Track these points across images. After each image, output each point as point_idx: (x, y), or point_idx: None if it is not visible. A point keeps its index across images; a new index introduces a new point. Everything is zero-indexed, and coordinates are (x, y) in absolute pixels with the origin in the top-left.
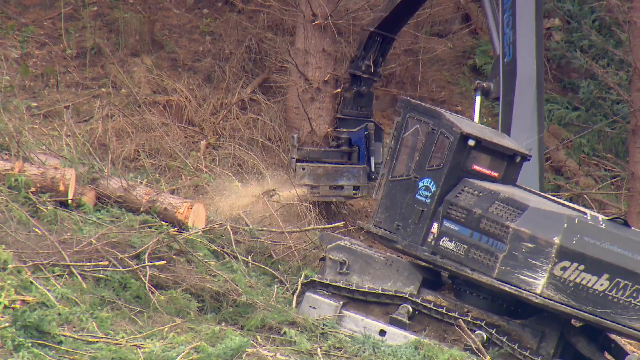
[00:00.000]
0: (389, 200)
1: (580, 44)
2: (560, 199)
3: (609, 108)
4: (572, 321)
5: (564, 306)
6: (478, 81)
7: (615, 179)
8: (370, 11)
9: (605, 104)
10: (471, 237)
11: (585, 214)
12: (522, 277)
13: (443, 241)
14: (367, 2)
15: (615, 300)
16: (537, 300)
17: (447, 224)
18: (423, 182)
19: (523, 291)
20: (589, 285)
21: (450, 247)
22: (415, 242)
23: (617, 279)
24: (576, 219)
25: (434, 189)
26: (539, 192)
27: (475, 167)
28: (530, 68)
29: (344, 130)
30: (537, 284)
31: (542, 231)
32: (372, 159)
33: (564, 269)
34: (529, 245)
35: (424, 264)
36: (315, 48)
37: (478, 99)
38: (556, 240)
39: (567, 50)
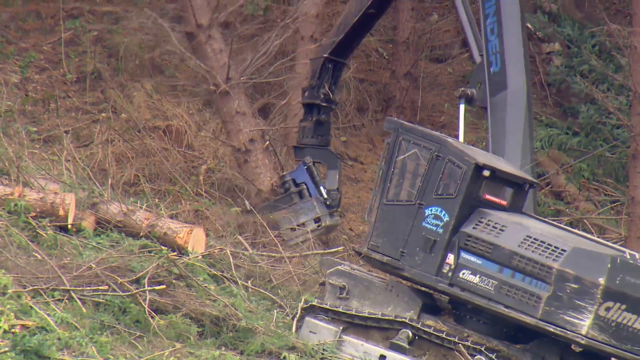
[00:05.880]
0: (387, 225)
1: (580, 68)
2: (561, 223)
3: (609, 133)
4: (572, 346)
5: (607, 346)
6: (463, 89)
7: (615, 204)
8: (282, 67)
9: (605, 128)
10: (501, 272)
11: (624, 252)
12: (567, 318)
13: (464, 274)
14: (268, 57)
15: None
16: (583, 342)
17: (466, 256)
18: (431, 210)
19: (569, 332)
20: (629, 324)
21: (475, 281)
22: (427, 272)
23: None
24: (618, 259)
25: (446, 218)
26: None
27: (487, 197)
28: (521, 83)
29: (285, 174)
30: (583, 325)
31: (587, 272)
32: (322, 188)
33: (608, 309)
34: (573, 286)
35: (439, 294)
36: (229, 114)
37: (462, 107)
38: (601, 281)
39: (567, 75)
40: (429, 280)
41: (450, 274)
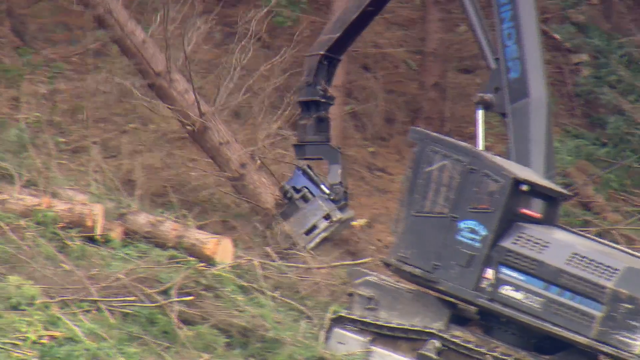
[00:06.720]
0: (416, 236)
1: (609, 79)
2: (589, 234)
3: (638, 143)
4: (601, 357)
5: None
6: (480, 95)
7: None
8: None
9: (634, 139)
10: (547, 290)
11: None
12: (621, 338)
13: (505, 290)
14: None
15: None
16: None
17: (507, 271)
18: (466, 224)
19: (623, 352)
20: None
21: (518, 298)
22: (464, 286)
23: None
24: None
25: (484, 232)
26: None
27: (524, 211)
28: (542, 90)
29: (283, 184)
30: (636, 345)
31: None
32: (322, 185)
33: None
34: (628, 306)
35: (466, 305)
36: (214, 148)
37: (480, 113)
38: None
39: (595, 86)
40: (467, 294)
41: (490, 289)
